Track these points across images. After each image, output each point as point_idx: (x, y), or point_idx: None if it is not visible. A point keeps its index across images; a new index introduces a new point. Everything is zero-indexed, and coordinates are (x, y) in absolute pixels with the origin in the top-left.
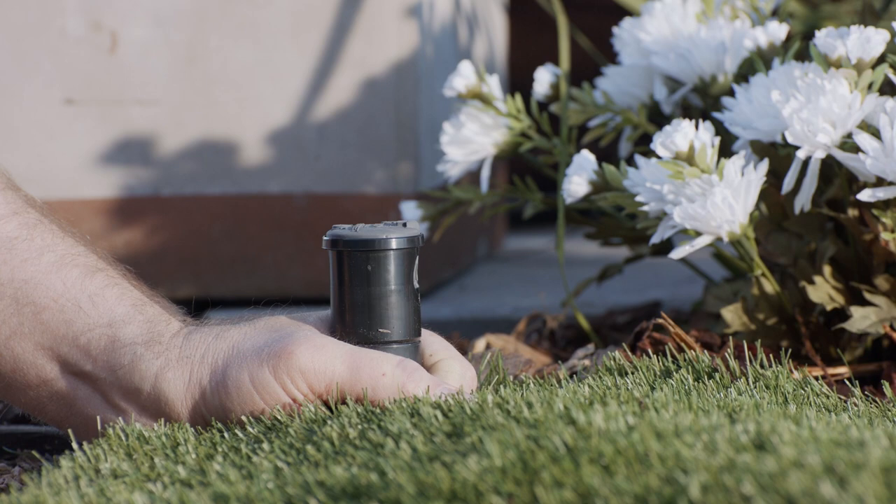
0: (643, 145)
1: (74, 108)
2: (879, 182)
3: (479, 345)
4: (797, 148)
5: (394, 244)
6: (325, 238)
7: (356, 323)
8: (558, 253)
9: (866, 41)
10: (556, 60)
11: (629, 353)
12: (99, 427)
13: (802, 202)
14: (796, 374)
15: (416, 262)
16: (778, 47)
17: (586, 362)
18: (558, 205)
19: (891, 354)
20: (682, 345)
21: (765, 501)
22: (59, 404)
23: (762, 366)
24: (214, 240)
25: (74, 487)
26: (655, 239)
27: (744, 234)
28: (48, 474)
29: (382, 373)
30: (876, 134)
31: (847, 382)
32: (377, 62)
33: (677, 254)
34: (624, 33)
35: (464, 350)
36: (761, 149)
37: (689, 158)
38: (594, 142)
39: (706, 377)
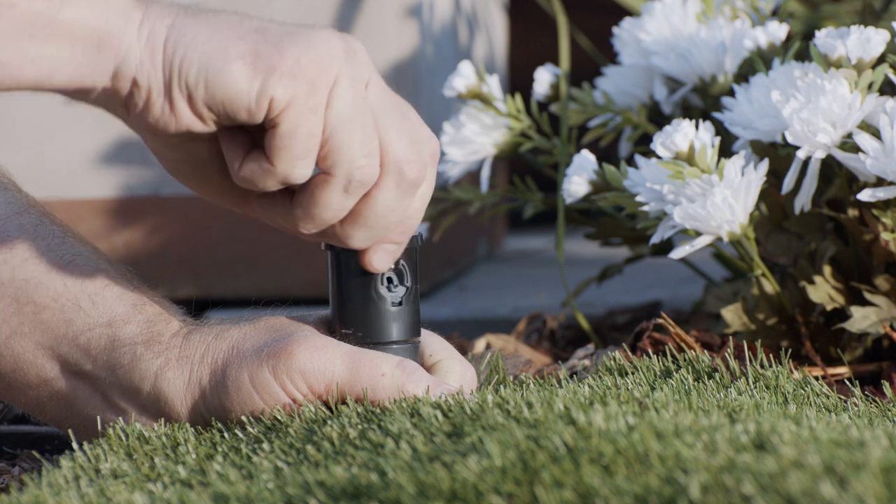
0: (643, 145)
1: (74, 109)
2: (879, 182)
3: (479, 345)
4: (797, 148)
5: None
6: None
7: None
8: (558, 253)
9: (866, 41)
10: (556, 60)
11: (629, 353)
12: (99, 427)
13: (802, 202)
14: (796, 374)
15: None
16: (778, 47)
17: (586, 362)
18: (558, 205)
19: (891, 354)
20: (683, 345)
21: (765, 501)
22: (59, 404)
23: (762, 366)
24: (214, 240)
25: (74, 487)
26: (655, 239)
27: (744, 234)
28: (48, 474)
29: (382, 373)
30: (876, 134)
31: (847, 382)
32: (377, 62)
33: (677, 254)
34: (624, 33)
35: (464, 350)
36: (761, 149)
37: (689, 158)
38: (594, 142)
39: (706, 377)
